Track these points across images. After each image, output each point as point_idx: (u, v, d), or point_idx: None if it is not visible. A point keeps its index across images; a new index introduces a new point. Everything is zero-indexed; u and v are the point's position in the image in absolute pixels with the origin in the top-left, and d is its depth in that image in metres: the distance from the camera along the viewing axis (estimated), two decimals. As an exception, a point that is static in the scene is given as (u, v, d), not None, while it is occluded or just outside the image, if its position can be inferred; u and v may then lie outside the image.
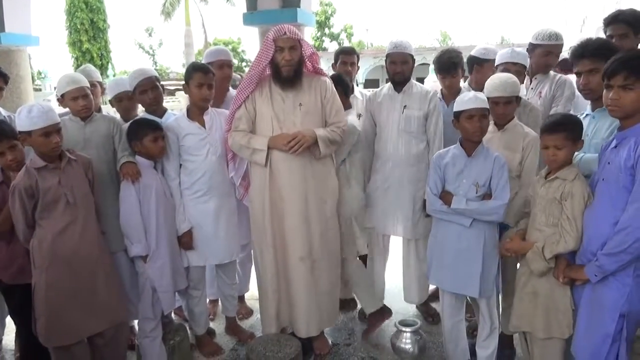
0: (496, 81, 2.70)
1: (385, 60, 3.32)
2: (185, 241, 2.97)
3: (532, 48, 3.35)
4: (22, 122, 2.31)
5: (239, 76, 4.13)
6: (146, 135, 2.78)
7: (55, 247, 2.38)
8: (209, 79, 2.93)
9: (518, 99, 2.74)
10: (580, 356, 2.16)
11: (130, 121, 2.96)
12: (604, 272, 2.00)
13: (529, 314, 2.37)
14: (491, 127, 2.76)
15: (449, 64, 3.40)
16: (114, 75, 24.05)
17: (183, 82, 3.03)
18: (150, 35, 41.15)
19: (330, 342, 3.20)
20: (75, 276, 2.43)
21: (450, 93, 3.45)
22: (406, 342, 2.78)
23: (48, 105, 2.38)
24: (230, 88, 3.61)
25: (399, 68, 3.23)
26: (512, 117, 2.76)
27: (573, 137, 2.23)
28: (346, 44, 35.07)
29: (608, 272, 1.99)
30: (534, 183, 2.42)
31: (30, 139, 2.34)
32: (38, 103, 2.42)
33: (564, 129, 2.23)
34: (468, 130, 2.58)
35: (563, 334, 2.28)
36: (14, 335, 3.30)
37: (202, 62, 3.40)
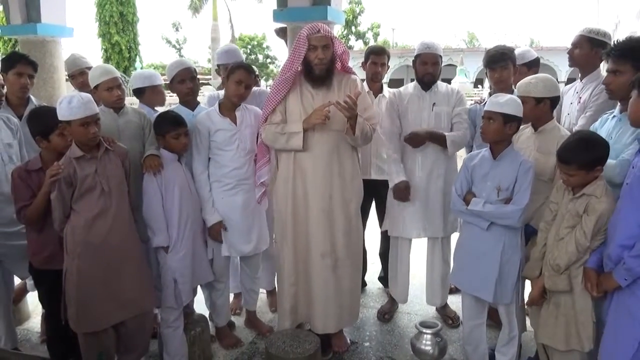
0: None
1: (414, 60, 3.31)
2: (214, 233, 3.01)
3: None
4: (62, 111, 2.38)
5: None
6: (168, 132, 2.82)
7: (87, 234, 2.44)
8: (249, 79, 2.96)
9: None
10: None
11: (157, 115, 3.00)
12: (633, 275, 1.97)
13: (550, 324, 2.35)
14: (529, 128, 2.74)
15: (498, 54, 3.19)
16: (141, 68, 24.29)
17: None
18: (177, 30, 41.71)
19: (348, 340, 3.22)
20: (106, 263, 2.48)
21: (500, 89, 3.16)
22: (426, 343, 2.76)
23: (88, 96, 2.44)
24: None
25: (430, 69, 3.24)
26: (547, 120, 2.62)
27: (587, 165, 2.15)
28: (372, 42, 34.81)
29: (638, 275, 1.96)
30: (559, 192, 2.37)
31: (69, 128, 2.41)
32: (79, 94, 2.46)
33: (575, 162, 2.17)
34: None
35: (583, 347, 2.25)
36: (40, 318, 3.41)
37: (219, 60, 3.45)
